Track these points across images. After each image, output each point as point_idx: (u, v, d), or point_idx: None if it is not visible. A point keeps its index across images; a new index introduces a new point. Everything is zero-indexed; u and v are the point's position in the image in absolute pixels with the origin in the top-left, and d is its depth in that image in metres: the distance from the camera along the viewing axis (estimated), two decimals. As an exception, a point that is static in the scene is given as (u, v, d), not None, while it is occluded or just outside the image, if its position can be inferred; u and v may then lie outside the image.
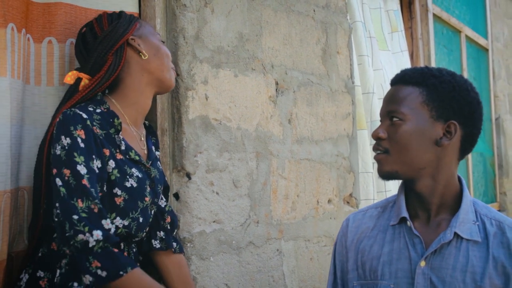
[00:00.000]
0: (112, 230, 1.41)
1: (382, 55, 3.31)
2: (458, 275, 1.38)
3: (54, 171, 1.40)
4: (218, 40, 2.04)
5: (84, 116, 1.44)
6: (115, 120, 1.52)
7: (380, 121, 1.50)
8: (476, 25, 5.17)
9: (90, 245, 1.34)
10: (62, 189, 1.37)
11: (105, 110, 1.53)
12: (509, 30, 5.91)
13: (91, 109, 1.50)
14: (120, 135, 1.53)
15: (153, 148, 1.70)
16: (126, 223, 1.52)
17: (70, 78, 1.58)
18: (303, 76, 2.43)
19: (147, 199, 1.57)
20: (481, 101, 1.47)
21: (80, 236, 1.34)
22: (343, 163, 2.64)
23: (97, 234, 1.35)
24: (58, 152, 1.41)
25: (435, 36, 4.12)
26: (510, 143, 5.56)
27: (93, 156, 1.43)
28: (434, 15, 4.12)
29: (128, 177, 1.51)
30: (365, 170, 2.94)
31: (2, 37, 1.50)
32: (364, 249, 1.51)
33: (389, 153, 1.43)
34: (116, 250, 1.39)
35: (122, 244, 1.57)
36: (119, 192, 1.49)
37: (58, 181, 1.39)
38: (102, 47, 1.58)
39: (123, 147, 1.53)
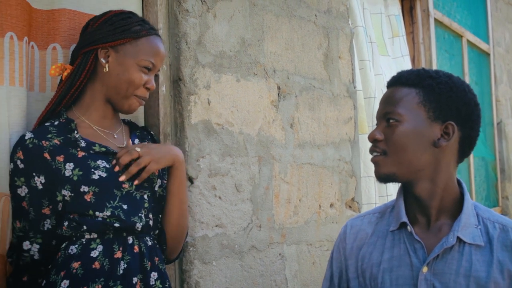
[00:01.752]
0: (33, 251, 1.53)
1: (382, 60, 3.32)
2: (462, 280, 1.36)
3: None
4: (220, 45, 2.05)
5: (27, 136, 1.52)
6: (71, 124, 1.56)
7: (377, 124, 1.48)
8: (477, 29, 5.18)
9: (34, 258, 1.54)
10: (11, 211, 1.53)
11: (63, 120, 1.58)
12: (510, 35, 5.92)
13: (48, 123, 1.57)
14: (76, 134, 1.55)
15: (137, 140, 1.70)
16: (108, 213, 1.52)
17: (54, 70, 1.61)
18: (305, 81, 2.44)
19: (125, 185, 1.56)
20: (478, 103, 1.45)
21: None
22: (345, 167, 2.64)
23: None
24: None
25: (437, 41, 4.13)
26: (512, 148, 5.56)
27: (34, 174, 1.51)
28: (436, 20, 4.13)
29: (93, 169, 1.53)
30: (367, 174, 2.95)
31: (0, 46, 1.52)
32: (364, 256, 1.49)
33: (387, 154, 1.41)
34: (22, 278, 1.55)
35: (130, 238, 1.56)
36: (86, 189, 1.51)
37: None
38: (79, 42, 1.62)
39: (83, 144, 1.55)
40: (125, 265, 1.52)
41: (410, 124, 1.40)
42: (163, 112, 1.89)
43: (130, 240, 1.55)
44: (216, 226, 1.98)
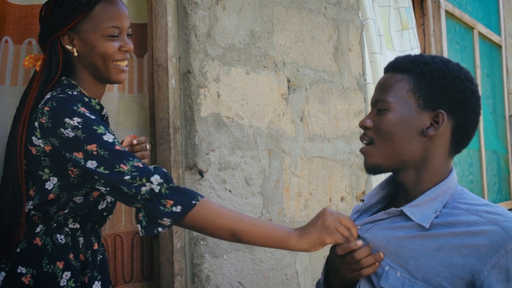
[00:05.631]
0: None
1: (388, 54, 3.29)
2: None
3: (78, 154, 1.37)
4: (230, 38, 2.04)
5: (76, 94, 1.46)
6: (92, 100, 1.49)
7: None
8: (489, 21, 5.13)
9: (157, 191, 1.36)
10: (100, 169, 1.37)
11: (78, 93, 1.51)
12: (522, 27, 5.86)
13: (70, 92, 1.48)
14: (104, 112, 1.54)
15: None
16: None
17: (27, 62, 1.56)
18: (315, 74, 2.42)
19: None
20: (477, 91, 1.38)
21: (143, 189, 1.36)
22: (356, 160, 2.62)
23: (156, 178, 1.36)
24: (71, 134, 1.38)
25: (448, 33, 4.10)
26: (524, 141, 5.51)
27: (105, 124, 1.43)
28: (447, 11, 4.09)
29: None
30: (378, 167, 2.93)
31: None
32: None
33: (374, 143, 1.37)
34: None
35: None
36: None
37: (91, 164, 1.37)
38: (41, 30, 1.56)
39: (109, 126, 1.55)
40: (101, 256, 1.57)
41: (398, 112, 1.35)
42: (172, 105, 1.88)
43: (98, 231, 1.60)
44: (227, 219, 1.98)
